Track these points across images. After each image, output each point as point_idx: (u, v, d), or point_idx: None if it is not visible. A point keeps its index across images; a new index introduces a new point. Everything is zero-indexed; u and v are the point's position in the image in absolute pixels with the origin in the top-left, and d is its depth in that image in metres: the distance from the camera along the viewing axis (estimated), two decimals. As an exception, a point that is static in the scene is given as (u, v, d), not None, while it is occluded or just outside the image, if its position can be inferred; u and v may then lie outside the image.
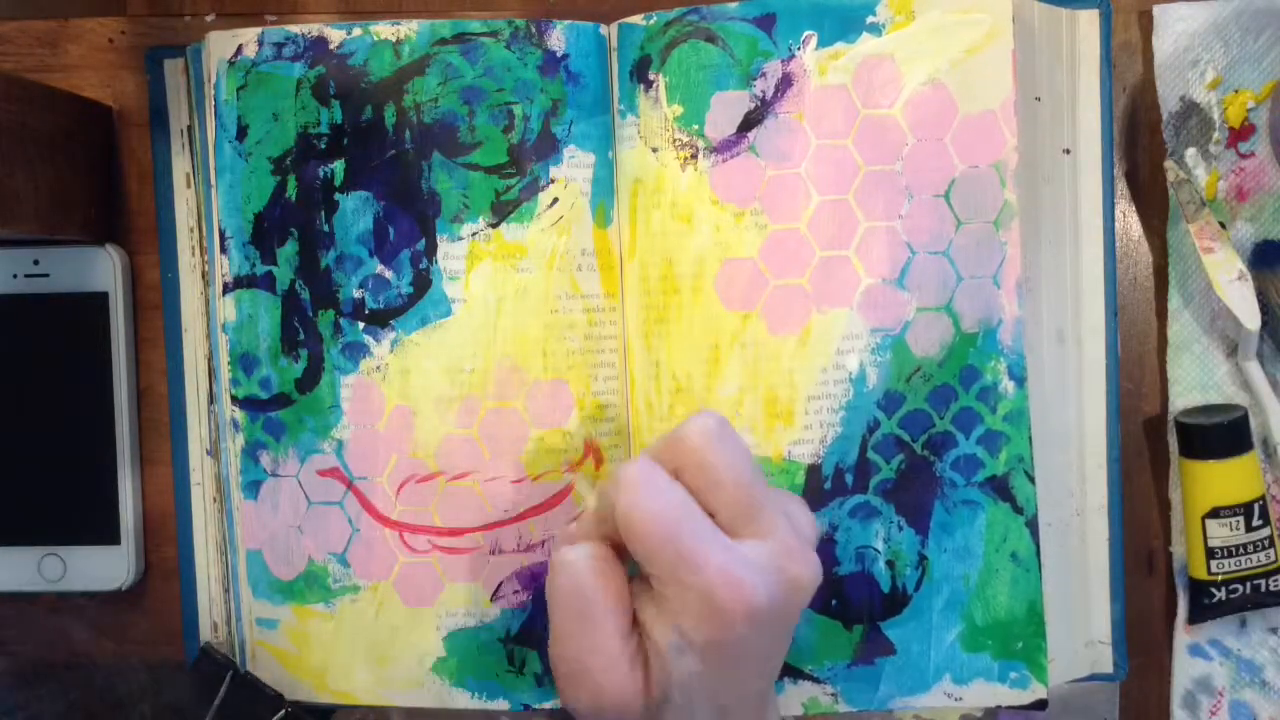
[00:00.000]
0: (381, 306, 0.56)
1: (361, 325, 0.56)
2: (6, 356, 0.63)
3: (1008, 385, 0.55)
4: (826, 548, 0.56)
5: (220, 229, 0.57)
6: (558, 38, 0.56)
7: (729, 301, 0.56)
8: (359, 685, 0.58)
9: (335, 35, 0.56)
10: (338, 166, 0.56)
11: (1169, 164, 0.58)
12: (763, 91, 0.55)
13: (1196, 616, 0.59)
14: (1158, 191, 0.60)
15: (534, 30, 0.56)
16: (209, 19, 0.63)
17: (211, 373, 0.61)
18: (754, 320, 0.56)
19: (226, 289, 0.57)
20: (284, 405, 0.57)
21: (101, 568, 0.63)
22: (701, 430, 0.46)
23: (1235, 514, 0.58)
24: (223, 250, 0.57)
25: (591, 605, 0.46)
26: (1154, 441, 0.61)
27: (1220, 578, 0.58)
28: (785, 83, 0.55)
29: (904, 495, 0.56)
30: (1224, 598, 0.58)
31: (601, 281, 0.57)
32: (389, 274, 0.56)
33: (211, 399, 0.61)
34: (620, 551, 0.48)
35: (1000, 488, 0.56)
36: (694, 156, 0.56)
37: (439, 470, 0.56)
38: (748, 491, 0.46)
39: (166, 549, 0.63)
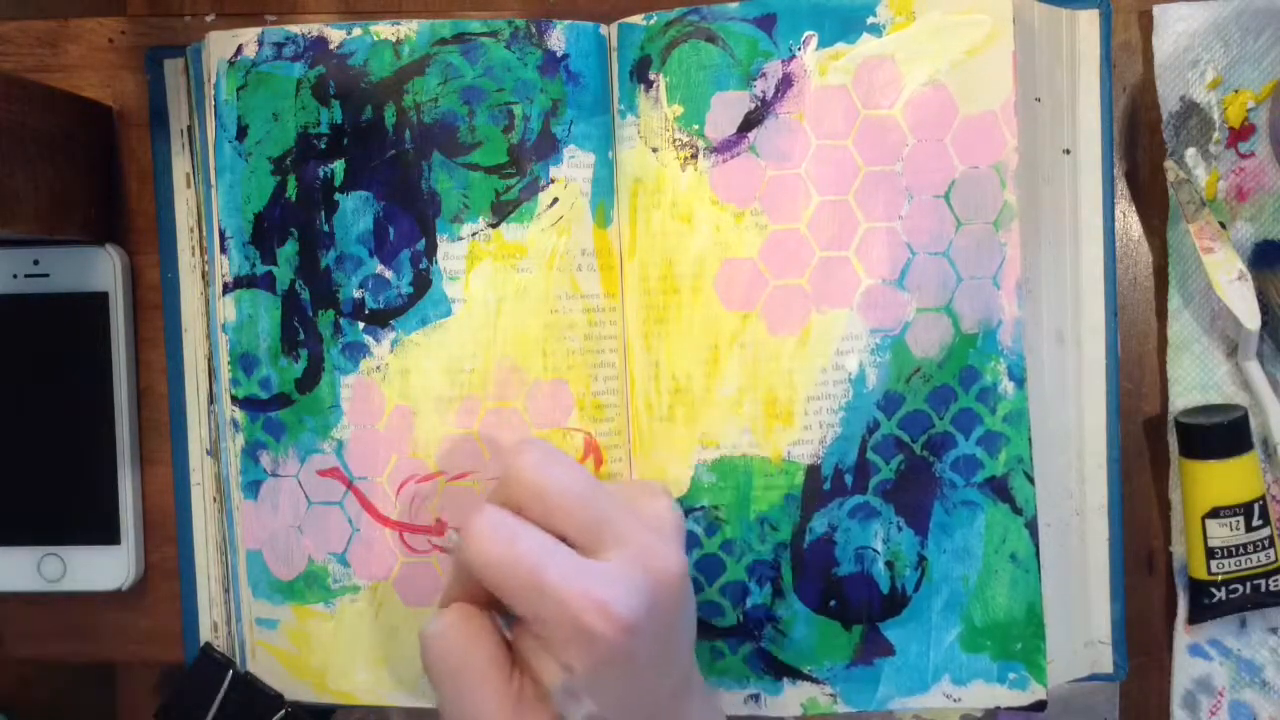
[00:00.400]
0: (381, 306, 0.56)
1: (361, 325, 0.56)
2: (6, 356, 0.63)
3: (1007, 386, 0.55)
4: (825, 548, 0.56)
5: (220, 229, 0.57)
6: (558, 38, 0.56)
7: (729, 302, 0.56)
8: (359, 685, 0.58)
9: (335, 35, 0.56)
10: (338, 166, 0.56)
11: (1169, 164, 0.58)
12: (763, 92, 0.55)
13: (1196, 616, 0.59)
14: (1158, 191, 0.60)
15: (534, 30, 0.56)
16: (209, 19, 0.63)
17: (211, 373, 0.61)
18: (754, 320, 0.56)
19: (226, 289, 0.57)
20: (284, 405, 0.57)
21: (101, 568, 0.63)
22: (526, 462, 0.46)
23: (1235, 514, 0.58)
24: (223, 250, 0.57)
25: (465, 671, 0.46)
26: (1154, 441, 0.61)
27: (1220, 578, 0.58)
28: (785, 83, 0.55)
29: (903, 496, 0.56)
30: (1224, 598, 0.58)
31: (601, 281, 0.57)
32: (389, 274, 0.56)
33: (211, 399, 0.61)
34: (487, 604, 0.48)
35: (1000, 488, 0.56)
36: (694, 156, 0.56)
37: (439, 470, 0.56)
38: (588, 507, 0.46)
39: (166, 549, 0.63)
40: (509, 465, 0.46)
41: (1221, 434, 0.58)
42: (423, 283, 0.56)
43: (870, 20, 0.55)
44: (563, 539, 0.45)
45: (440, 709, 0.48)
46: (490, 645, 0.47)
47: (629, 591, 0.44)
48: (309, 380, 0.57)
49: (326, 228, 0.56)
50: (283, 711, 0.58)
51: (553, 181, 0.56)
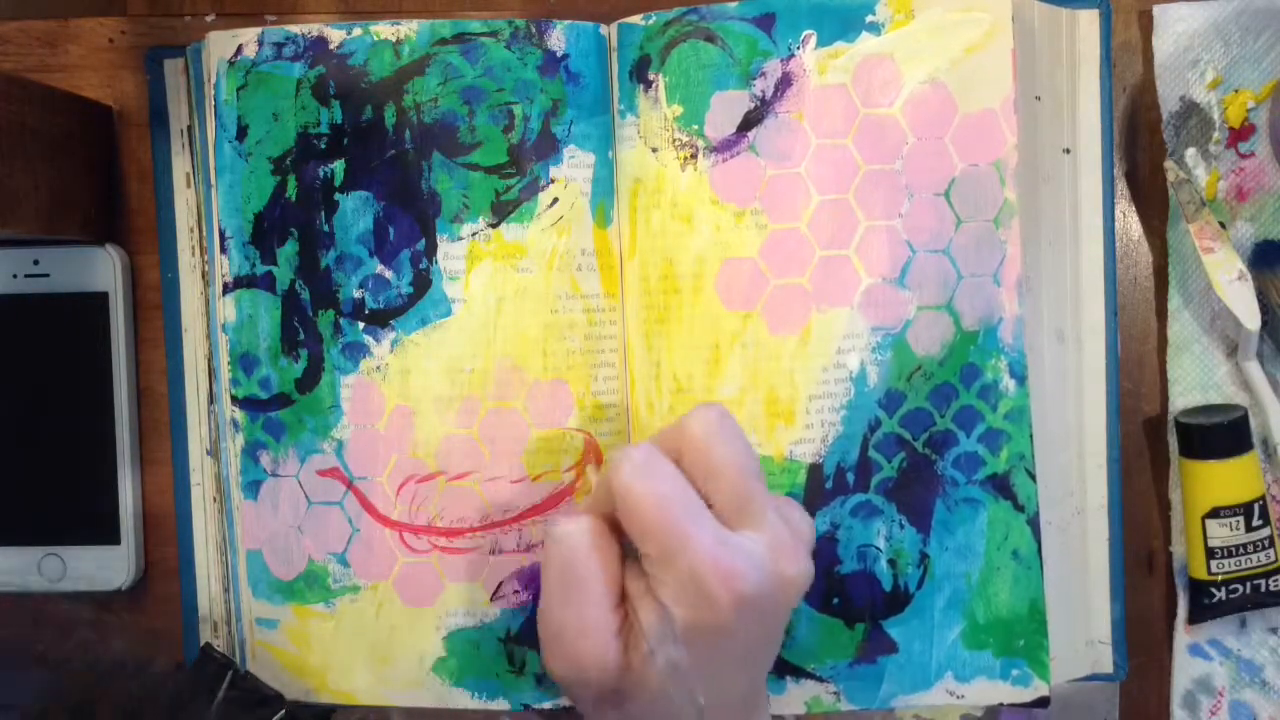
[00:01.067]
0: (381, 306, 0.56)
1: (361, 325, 0.56)
2: (6, 356, 0.62)
3: (1008, 383, 0.55)
4: (828, 546, 0.56)
5: (220, 229, 0.57)
6: (558, 38, 0.56)
7: (729, 301, 0.56)
8: (359, 685, 0.58)
9: (335, 35, 0.56)
10: (338, 166, 0.56)
11: (1169, 164, 0.58)
12: (762, 91, 0.55)
13: (1196, 616, 0.59)
14: (1158, 191, 0.61)
15: (534, 30, 0.56)
16: (209, 19, 0.63)
17: (211, 373, 0.61)
18: (754, 320, 0.56)
19: (226, 289, 0.57)
20: (284, 405, 0.57)
21: (101, 568, 0.62)
22: (704, 420, 0.47)
23: (1235, 514, 0.58)
24: (223, 250, 0.57)
25: (581, 575, 0.47)
26: (1154, 441, 0.61)
27: (1220, 578, 0.58)
28: (785, 82, 0.55)
29: (905, 494, 0.56)
30: (1224, 598, 0.58)
31: (601, 281, 0.57)
32: (389, 274, 0.56)
33: (211, 399, 0.61)
34: (618, 530, 0.48)
35: (1001, 486, 0.56)
36: (694, 156, 0.56)
37: (439, 470, 0.56)
38: (746, 484, 0.46)
39: (166, 549, 0.63)
40: (686, 418, 0.47)
41: (1221, 434, 0.58)
42: (423, 283, 0.56)
43: (869, 19, 0.55)
44: (708, 504, 0.46)
45: (542, 605, 0.48)
46: (611, 561, 0.47)
47: (757, 572, 0.45)
48: (309, 380, 0.57)
49: (326, 228, 0.56)
50: (283, 711, 0.58)
51: (553, 181, 0.56)
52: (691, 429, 0.47)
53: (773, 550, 0.46)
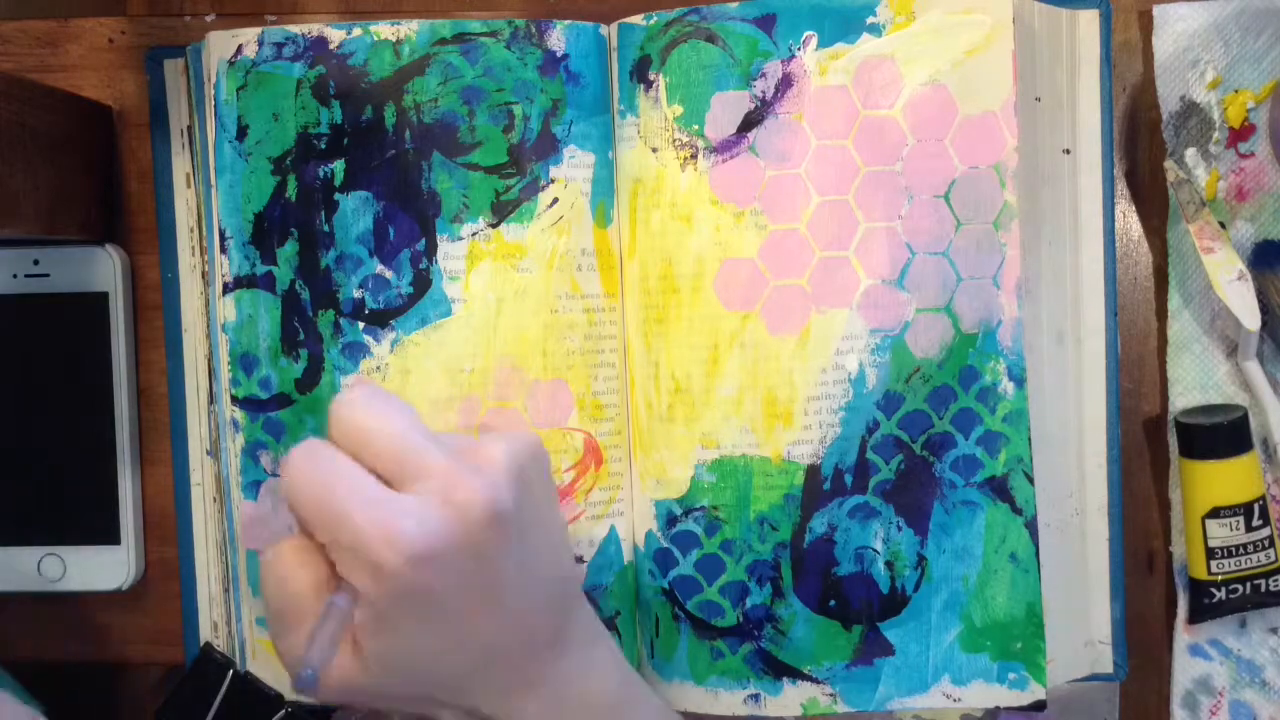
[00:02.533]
0: (381, 306, 0.56)
1: (361, 325, 0.56)
2: (6, 356, 0.63)
3: (1007, 386, 0.55)
4: (825, 548, 0.56)
5: (220, 229, 0.57)
6: (558, 38, 0.56)
7: (728, 302, 0.56)
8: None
9: (335, 35, 0.56)
10: (338, 166, 0.56)
11: (1169, 164, 0.58)
12: (763, 92, 0.55)
13: (1196, 616, 0.59)
14: (1158, 191, 0.60)
15: (534, 30, 0.56)
16: (209, 19, 0.63)
17: (211, 373, 0.61)
18: (753, 320, 0.56)
19: (226, 289, 0.57)
20: (284, 405, 0.57)
21: (101, 568, 0.63)
22: (345, 399, 0.46)
23: (1235, 514, 0.58)
24: (223, 250, 0.57)
25: (292, 592, 0.45)
26: (1154, 441, 0.61)
27: (1220, 578, 0.58)
28: (785, 83, 0.55)
29: (903, 496, 0.56)
30: (1224, 598, 0.58)
31: (601, 281, 0.57)
32: (389, 274, 0.56)
33: (211, 399, 0.61)
34: None
35: (999, 488, 0.56)
36: (694, 156, 0.56)
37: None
38: (398, 441, 0.45)
39: (166, 549, 0.63)
40: (332, 403, 0.46)
41: (1221, 434, 0.58)
42: (423, 283, 0.56)
43: (870, 20, 0.55)
44: (375, 474, 0.45)
45: (270, 635, 0.47)
46: (315, 572, 0.45)
47: (420, 523, 0.43)
48: (309, 380, 0.57)
49: (326, 228, 0.56)
50: (283, 711, 0.58)
51: (553, 181, 0.56)
52: (338, 409, 0.46)
53: (441, 493, 0.44)
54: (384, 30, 0.56)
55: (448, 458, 0.45)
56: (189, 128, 0.62)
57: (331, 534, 0.44)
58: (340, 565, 0.44)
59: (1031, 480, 0.56)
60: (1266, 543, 0.58)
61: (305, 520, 0.45)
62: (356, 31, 0.56)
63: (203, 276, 0.61)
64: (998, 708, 0.58)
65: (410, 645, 0.45)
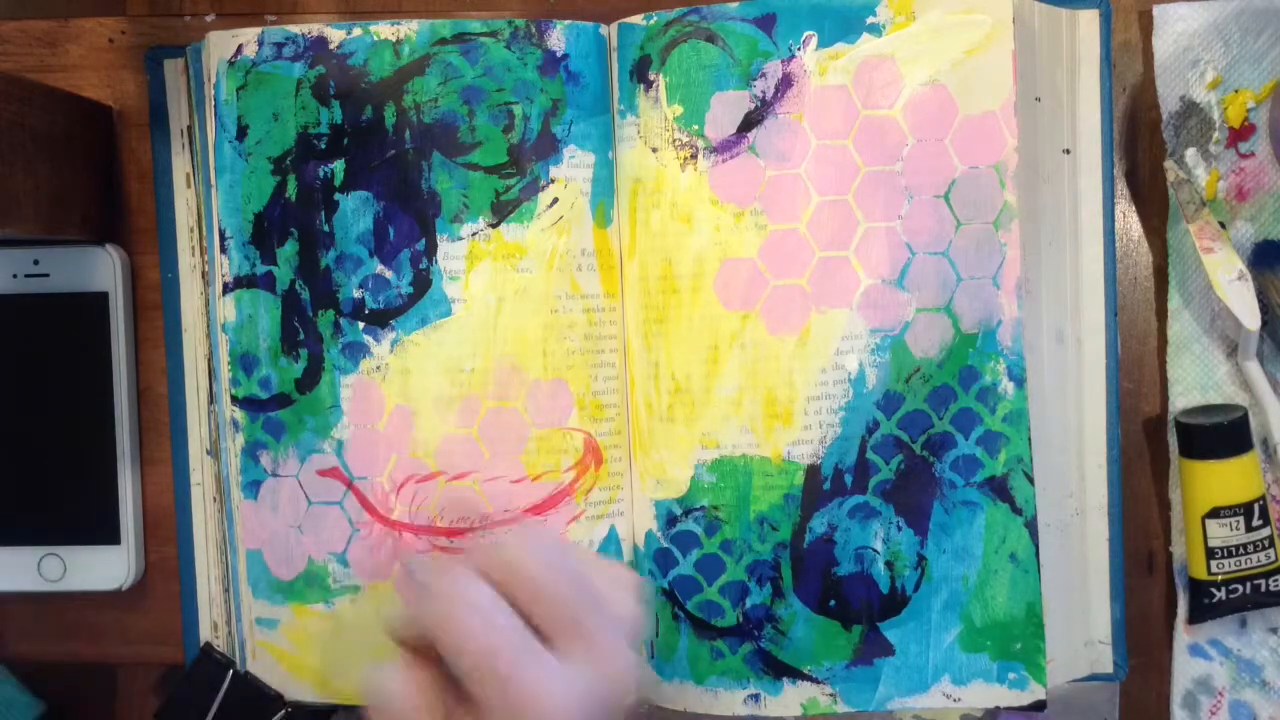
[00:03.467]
0: (381, 306, 0.56)
1: (361, 325, 0.56)
2: (6, 356, 0.63)
3: (1007, 386, 0.55)
4: (825, 548, 0.56)
5: (220, 229, 0.57)
6: (558, 38, 0.56)
7: (728, 302, 0.56)
8: (359, 685, 0.58)
9: (335, 35, 0.56)
10: (338, 166, 0.56)
11: (1169, 164, 0.58)
12: (763, 92, 0.55)
13: (1196, 616, 0.59)
14: (1158, 191, 0.60)
15: (534, 30, 0.56)
16: (209, 19, 0.63)
17: (211, 373, 0.61)
18: (753, 320, 0.56)
19: (226, 289, 0.57)
20: (284, 405, 0.57)
21: (101, 568, 0.63)
22: (521, 544, 0.46)
23: (1235, 514, 0.58)
24: (223, 250, 0.57)
25: (404, 714, 0.45)
26: (1154, 441, 0.61)
27: (1220, 578, 0.58)
28: (785, 83, 0.55)
29: (903, 496, 0.56)
30: (1224, 598, 0.58)
31: (601, 281, 0.57)
32: (389, 274, 0.56)
33: (211, 399, 0.61)
34: (433, 657, 0.46)
35: (999, 488, 0.56)
36: (694, 156, 0.56)
37: (439, 470, 0.56)
38: (566, 603, 0.45)
39: (166, 549, 0.63)
40: (508, 546, 0.46)
41: (1221, 434, 0.58)
42: (423, 283, 0.56)
43: (870, 20, 0.55)
44: (531, 624, 0.45)
45: None
46: (430, 696, 0.45)
47: (578, 695, 0.43)
48: (309, 380, 0.57)
49: (326, 228, 0.56)
50: (283, 711, 0.58)
51: (553, 181, 0.56)
52: (508, 552, 0.45)
53: (601, 665, 0.45)
54: (384, 30, 0.56)
55: (597, 615, 0.45)
56: (189, 128, 0.62)
57: (485, 689, 0.43)
58: (483, 708, 0.43)
59: (1031, 480, 0.56)
60: (1266, 543, 0.58)
61: (461, 668, 0.44)
62: (356, 31, 0.56)
63: (203, 276, 0.61)
64: (998, 708, 0.58)
65: None
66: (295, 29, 0.56)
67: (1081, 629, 0.59)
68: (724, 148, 0.56)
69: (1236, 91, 0.58)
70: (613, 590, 0.48)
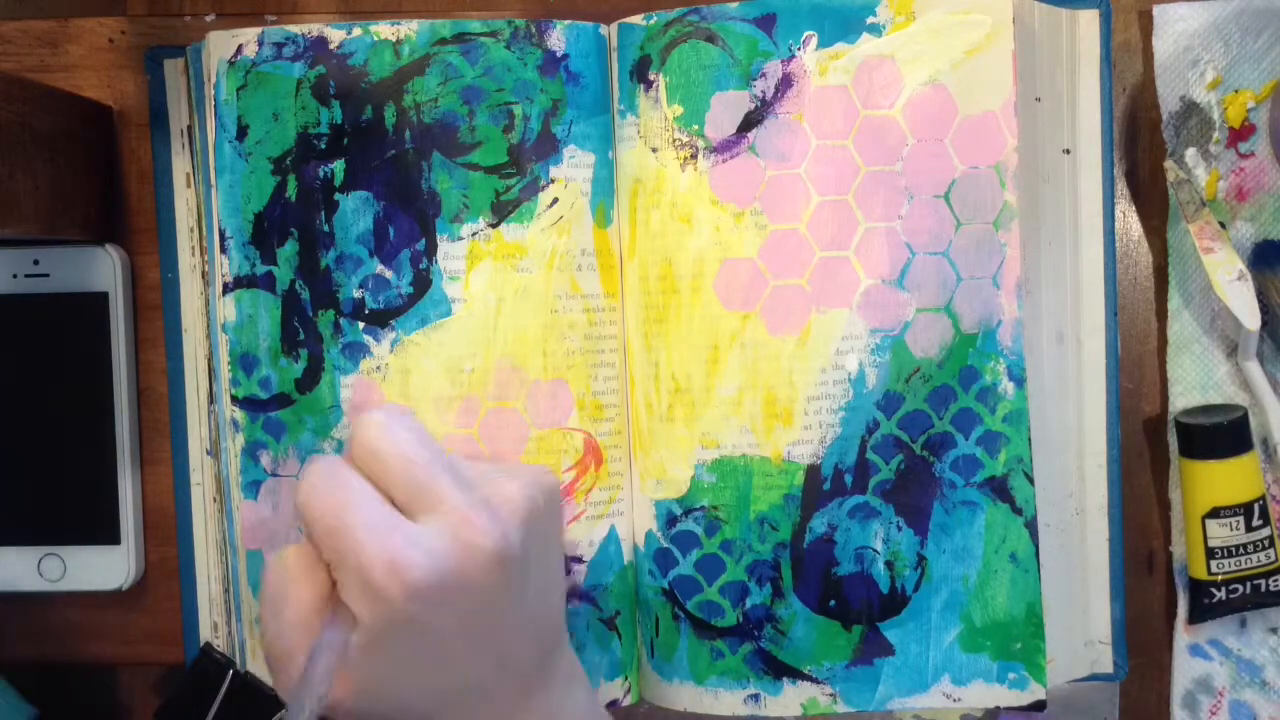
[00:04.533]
0: (381, 306, 0.56)
1: (361, 325, 0.56)
2: (6, 356, 0.63)
3: (1007, 386, 0.55)
4: (825, 548, 0.56)
5: (220, 229, 0.57)
6: (558, 38, 0.56)
7: (728, 302, 0.56)
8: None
9: (335, 35, 0.56)
10: (338, 166, 0.56)
11: (1169, 164, 0.58)
12: (763, 92, 0.55)
13: (1196, 616, 0.59)
14: (1158, 191, 0.60)
15: (534, 30, 0.56)
16: (209, 19, 0.63)
17: (211, 373, 0.61)
18: (753, 320, 0.56)
19: (226, 289, 0.57)
20: (284, 405, 0.57)
21: (101, 568, 0.63)
22: (368, 420, 0.46)
23: (1235, 514, 0.58)
24: (223, 250, 0.57)
25: (289, 597, 0.46)
26: (1154, 441, 0.61)
27: (1220, 578, 0.58)
28: (785, 83, 0.55)
29: (903, 496, 0.56)
30: (1224, 598, 0.58)
31: (601, 281, 0.57)
32: (389, 274, 0.56)
33: (211, 399, 0.61)
34: None
35: (999, 488, 0.56)
36: (694, 156, 0.56)
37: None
38: (416, 469, 0.46)
39: (166, 549, 0.63)
40: (354, 423, 0.47)
41: (1221, 434, 0.58)
42: (423, 283, 0.56)
43: (870, 20, 0.55)
44: (390, 499, 0.46)
45: (262, 637, 0.47)
46: (316, 587, 0.46)
47: (426, 556, 0.43)
48: (309, 380, 0.57)
49: (326, 228, 0.56)
50: (283, 711, 0.58)
51: (553, 181, 0.56)
52: (359, 431, 0.46)
53: (451, 529, 0.45)
54: (384, 30, 0.56)
55: (463, 491, 0.46)
56: (189, 128, 0.62)
57: (338, 553, 0.44)
58: (341, 587, 0.44)
59: (1031, 480, 0.56)
60: (1266, 543, 0.58)
61: (314, 535, 0.45)
62: (356, 31, 0.56)
63: (203, 276, 0.61)
64: (998, 708, 0.58)
65: (396, 674, 0.45)
66: (295, 29, 0.56)
67: (1081, 629, 0.59)
68: (724, 148, 0.56)
69: (1236, 91, 0.58)
70: (501, 478, 0.48)
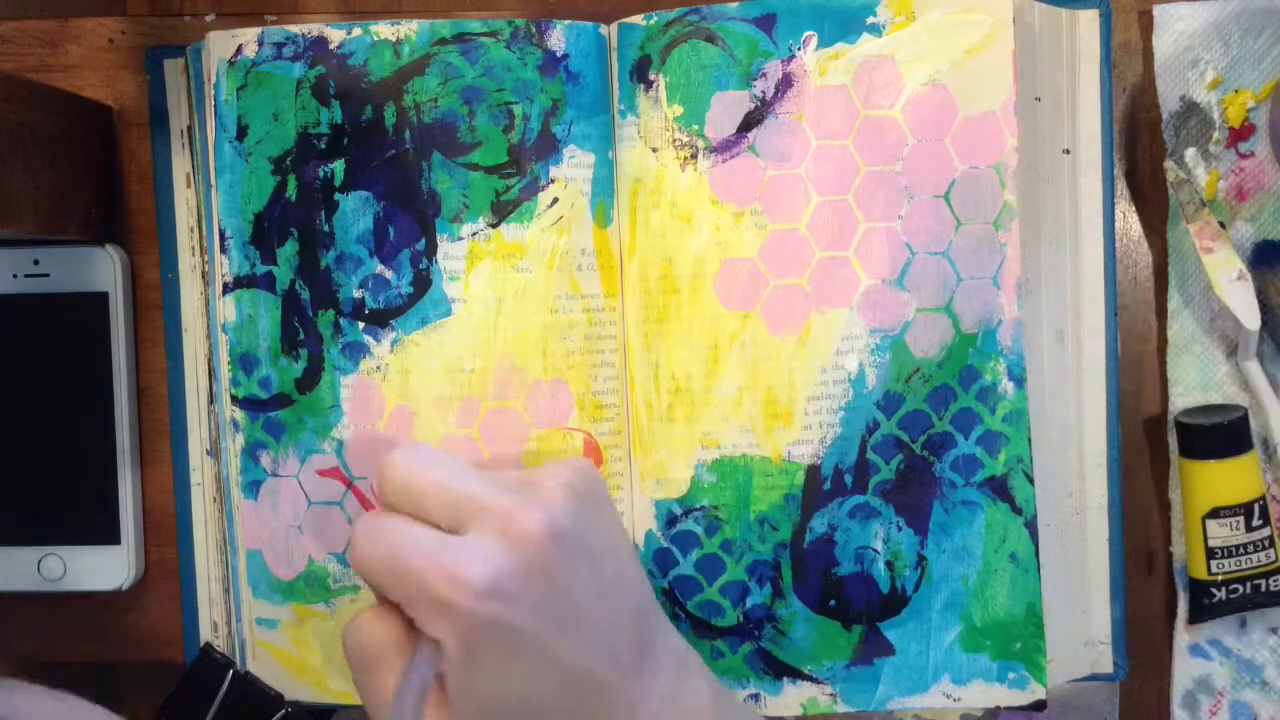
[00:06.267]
0: (381, 306, 0.56)
1: (361, 325, 0.56)
2: (6, 356, 0.63)
3: (1007, 386, 0.55)
4: (825, 548, 0.56)
5: (220, 229, 0.57)
6: (558, 38, 0.56)
7: (728, 301, 0.56)
8: (359, 685, 0.58)
9: (335, 35, 0.56)
10: (338, 166, 0.56)
11: (1169, 164, 0.58)
12: (763, 92, 0.55)
13: (1196, 616, 0.59)
14: (1158, 191, 0.60)
15: (534, 30, 0.56)
16: (209, 19, 0.63)
17: (211, 373, 0.61)
18: (753, 320, 0.56)
19: (226, 289, 0.57)
20: (284, 405, 0.57)
21: (101, 568, 0.63)
22: (389, 463, 0.47)
23: (1235, 514, 0.58)
24: (223, 250, 0.57)
25: (373, 657, 0.46)
26: (1154, 441, 0.61)
27: (1220, 578, 0.58)
28: (785, 83, 0.55)
29: (903, 496, 0.56)
30: (1224, 598, 0.58)
31: (601, 281, 0.57)
32: (389, 274, 0.56)
33: (211, 399, 0.61)
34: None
35: (999, 488, 0.56)
36: (694, 156, 0.56)
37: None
38: (448, 490, 0.46)
39: (166, 549, 0.63)
40: (378, 469, 0.47)
41: (1221, 434, 0.58)
42: (423, 283, 0.56)
43: (870, 20, 0.55)
44: (435, 526, 0.46)
45: (362, 702, 0.48)
46: (394, 632, 0.46)
47: (482, 559, 0.44)
48: (309, 380, 0.57)
49: (326, 228, 0.56)
50: (283, 711, 0.58)
51: (553, 181, 0.56)
52: (384, 472, 0.47)
53: (496, 528, 0.45)
54: (384, 30, 0.56)
55: (499, 494, 0.46)
56: (189, 128, 0.62)
57: (403, 592, 0.44)
58: (418, 621, 0.45)
59: (1031, 480, 0.56)
60: (1266, 543, 0.58)
61: (380, 587, 0.46)
62: (356, 31, 0.56)
63: (203, 276, 0.61)
64: (998, 707, 0.58)
65: (499, 684, 0.45)
66: (295, 29, 0.56)
67: (1081, 629, 0.59)
68: (724, 148, 0.56)
69: (1236, 91, 0.58)
70: (534, 476, 0.49)
